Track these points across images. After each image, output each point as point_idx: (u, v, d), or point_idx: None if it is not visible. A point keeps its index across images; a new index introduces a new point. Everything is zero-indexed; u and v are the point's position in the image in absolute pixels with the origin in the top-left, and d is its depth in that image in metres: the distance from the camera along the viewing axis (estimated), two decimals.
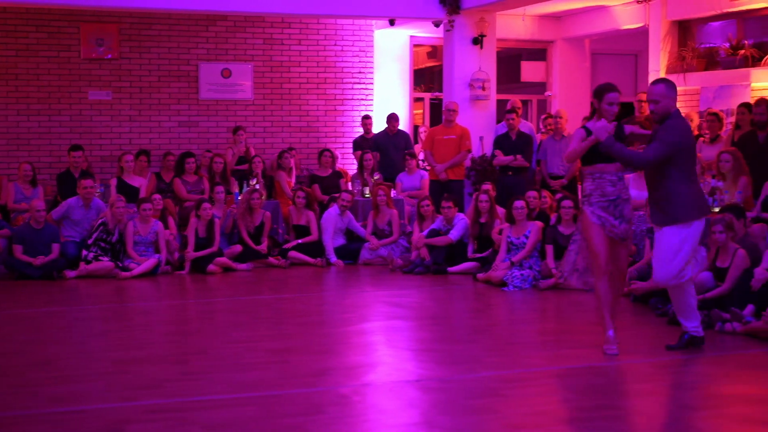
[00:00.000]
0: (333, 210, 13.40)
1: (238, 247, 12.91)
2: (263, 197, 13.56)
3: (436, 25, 15.31)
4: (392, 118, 15.33)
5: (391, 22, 16.09)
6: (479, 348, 8.00)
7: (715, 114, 12.21)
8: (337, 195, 13.74)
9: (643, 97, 13.43)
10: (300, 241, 13.32)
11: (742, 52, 13.73)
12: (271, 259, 13.01)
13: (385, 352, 8.00)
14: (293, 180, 14.73)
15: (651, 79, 13.82)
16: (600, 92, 7.53)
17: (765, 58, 13.25)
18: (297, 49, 16.69)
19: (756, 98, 11.58)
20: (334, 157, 14.96)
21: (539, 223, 11.51)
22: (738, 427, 5.69)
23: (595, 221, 7.48)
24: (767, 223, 9.58)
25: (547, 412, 5.96)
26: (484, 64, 15.13)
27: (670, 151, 7.18)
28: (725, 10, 14.10)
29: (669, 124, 7.27)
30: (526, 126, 14.70)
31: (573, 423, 5.75)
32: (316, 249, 13.25)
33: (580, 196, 13.83)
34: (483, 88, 15.03)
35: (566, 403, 6.15)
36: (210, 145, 15.91)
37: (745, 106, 11.94)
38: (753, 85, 13.44)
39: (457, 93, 15.00)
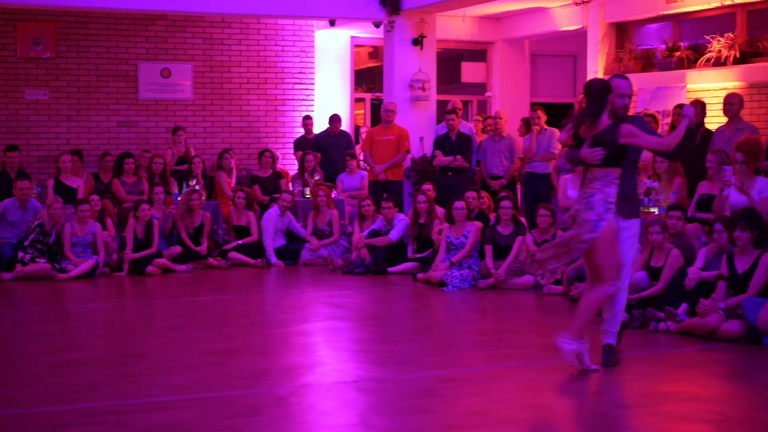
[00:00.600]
0: (273, 210, 13.38)
1: (178, 248, 12.83)
2: (203, 198, 13.50)
3: (377, 25, 15.35)
4: (334, 119, 15.33)
5: (332, 23, 16.11)
6: (418, 348, 8.05)
7: (652, 115, 12.36)
8: (277, 195, 13.71)
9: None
10: (240, 241, 13.28)
11: (678, 54, 13.93)
12: (210, 260, 12.95)
13: (324, 353, 8.01)
14: (233, 180, 14.68)
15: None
16: (606, 87, 7.02)
17: (700, 60, 13.45)
18: (237, 49, 16.64)
19: (691, 99, 11.74)
20: (274, 158, 14.93)
21: (478, 224, 11.59)
22: (671, 424, 5.78)
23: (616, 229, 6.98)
24: (702, 223, 9.73)
25: (484, 411, 6.00)
26: (425, 64, 15.20)
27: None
28: (661, 13, 14.31)
29: (635, 120, 7.23)
30: (465, 127, 14.78)
31: (510, 422, 5.80)
32: (256, 250, 13.21)
33: (519, 198, 14.03)
34: (423, 89, 15.09)
35: (503, 403, 6.19)
36: (149, 145, 15.79)
37: (681, 107, 12.08)
38: (688, 86, 13.64)
39: (398, 93, 15.05)
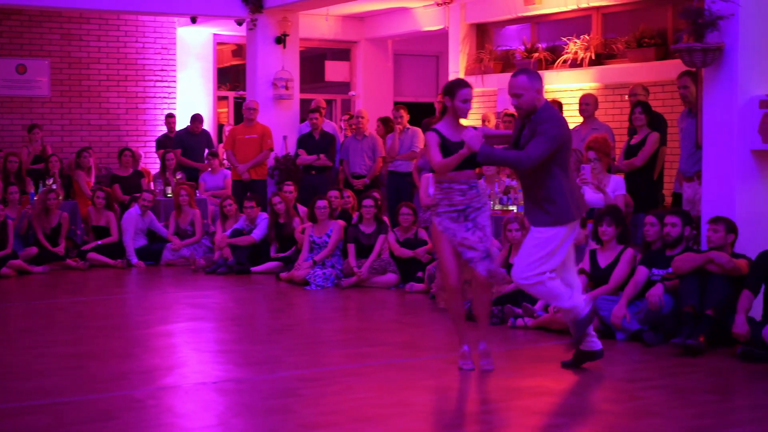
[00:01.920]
0: (134, 210, 13.14)
1: (34, 249, 12.48)
2: (60, 197, 13.16)
3: (239, 23, 15.23)
4: (196, 119, 15.14)
5: (193, 20, 15.88)
6: (279, 348, 8.02)
7: (512, 115, 12.56)
8: (138, 195, 13.48)
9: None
10: (100, 242, 13.01)
11: (536, 54, 14.22)
12: (69, 261, 12.65)
13: (185, 354, 7.92)
14: (92, 180, 14.36)
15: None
16: (451, 89, 6.96)
17: (557, 61, 13.76)
18: (96, 45, 16.31)
19: (549, 100, 11.98)
20: (135, 157, 14.67)
21: (341, 222, 11.61)
22: (527, 419, 5.89)
23: (442, 231, 6.94)
24: None
25: (344, 410, 6.02)
26: (288, 63, 15.14)
27: (555, 145, 6.56)
28: (520, 15, 14.59)
29: (545, 117, 6.65)
30: (329, 125, 14.80)
31: (369, 421, 5.82)
32: (116, 250, 12.96)
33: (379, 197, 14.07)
34: (286, 88, 15.04)
35: (363, 401, 6.21)
36: (4, 143, 15.31)
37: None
38: (546, 87, 13.91)
39: (261, 92, 14.96)
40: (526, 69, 7.05)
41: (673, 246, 8.21)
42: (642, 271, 8.23)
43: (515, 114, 12.16)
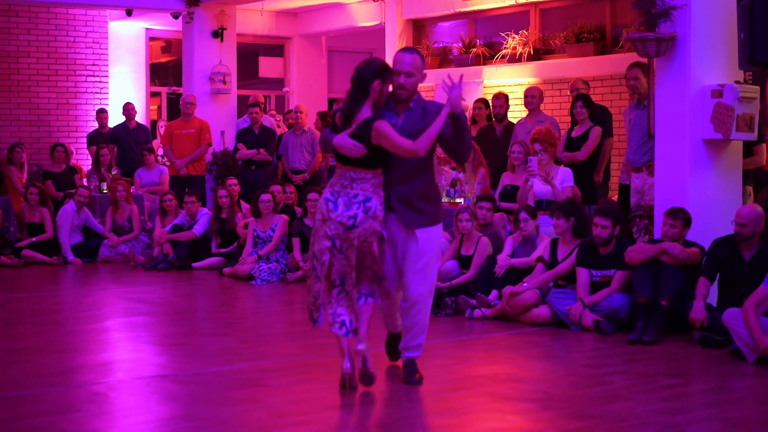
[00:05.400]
0: (69, 206, 12.84)
1: None
2: None
3: (175, 16, 14.97)
4: (128, 108, 14.79)
5: (128, 13, 15.57)
6: (232, 340, 7.88)
7: None
8: (72, 191, 13.18)
9: None
10: (34, 239, 12.69)
11: (474, 50, 14.26)
12: (2, 259, 12.31)
13: (136, 348, 7.74)
14: (25, 176, 14.01)
15: None
16: (383, 71, 6.00)
17: (496, 57, 13.80)
18: (26, 38, 15.91)
19: (494, 94, 12.03)
20: (67, 152, 14.35)
21: (285, 217, 11.48)
22: (500, 404, 5.86)
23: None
24: (506, 213, 9.95)
25: (311, 399, 5.92)
26: (225, 57, 14.94)
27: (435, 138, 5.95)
28: (457, 10, 14.61)
29: (429, 108, 6.04)
30: (268, 120, 14.64)
31: (338, 409, 5.76)
32: (51, 247, 12.66)
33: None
34: (224, 82, 14.83)
35: (330, 390, 6.09)
36: None
37: (482, 101, 12.39)
38: (485, 82, 13.98)
39: (198, 86, 14.72)
40: (416, 49, 6.50)
41: (605, 245, 8.24)
42: (583, 273, 8.27)
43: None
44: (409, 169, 6.05)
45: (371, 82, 5.94)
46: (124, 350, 7.69)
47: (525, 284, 8.47)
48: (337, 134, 6.02)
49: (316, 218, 6.17)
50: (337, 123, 6.09)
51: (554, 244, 8.67)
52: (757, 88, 8.29)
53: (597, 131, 10.33)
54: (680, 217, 7.89)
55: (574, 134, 10.50)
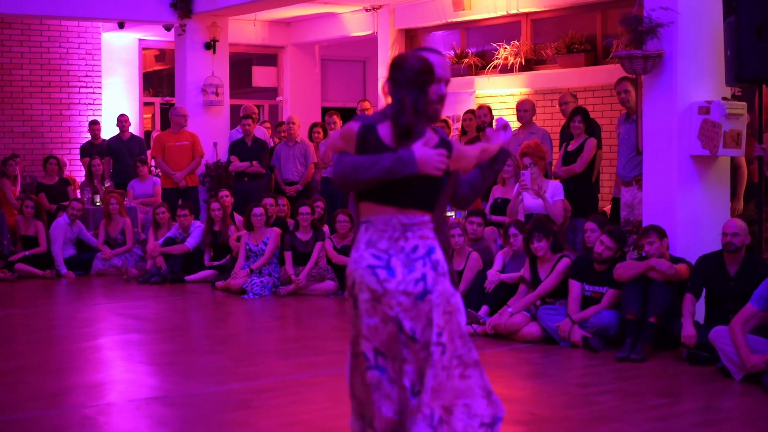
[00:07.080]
0: (62, 219, 12.87)
1: None
2: None
3: (167, 29, 15.02)
4: (121, 120, 14.81)
5: (121, 25, 15.63)
6: (225, 358, 7.92)
7: (444, 120, 12.64)
8: (65, 204, 13.20)
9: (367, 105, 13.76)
10: (27, 252, 12.71)
11: (467, 60, 14.30)
12: None
13: (128, 368, 7.76)
14: (18, 188, 14.04)
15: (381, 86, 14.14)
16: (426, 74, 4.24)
17: (488, 67, 13.85)
18: (19, 50, 15.95)
19: (479, 105, 12.11)
20: (60, 164, 14.38)
21: (277, 230, 11.52)
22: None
23: None
24: (497, 227, 9.99)
25: (302, 422, 5.95)
26: (217, 69, 14.98)
27: None
28: (449, 20, 14.64)
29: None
30: (260, 131, 14.67)
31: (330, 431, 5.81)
32: (44, 260, 12.68)
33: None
34: (216, 94, 14.88)
35: (321, 412, 6.14)
36: None
37: (471, 112, 12.46)
38: (477, 92, 14.03)
39: (190, 98, 14.77)
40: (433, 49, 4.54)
41: (603, 263, 8.27)
42: (575, 286, 8.31)
43: (445, 120, 12.17)
44: (443, 213, 4.52)
45: (428, 85, 4.22)
46: (115, 370, 7.73)
47: (509, 308, 8.50)
48: (369, 150, 4.17)
49: (358, 297, 4.22)
50: (380, 138, 4.18)
51: (533, 262, 8.67)
52: (744, 104, 8.36)
53: (592, 143, 10.37)
54: (652, 233, 7.94)
55: (570, 148, 10.53)
